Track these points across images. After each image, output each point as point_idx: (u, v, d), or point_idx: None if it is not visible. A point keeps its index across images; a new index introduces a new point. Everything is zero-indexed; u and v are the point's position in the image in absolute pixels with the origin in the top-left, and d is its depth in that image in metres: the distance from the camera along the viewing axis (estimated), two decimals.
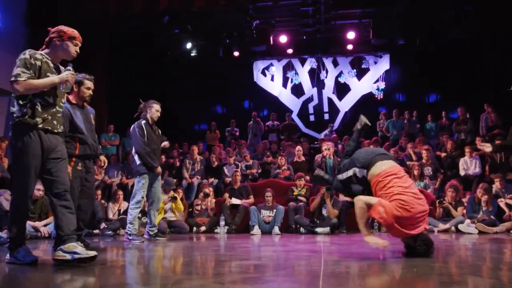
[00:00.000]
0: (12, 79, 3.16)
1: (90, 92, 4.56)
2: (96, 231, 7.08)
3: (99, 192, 8.11)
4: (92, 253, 3.16)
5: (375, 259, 3.53)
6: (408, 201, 3.38)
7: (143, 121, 5.75)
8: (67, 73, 3.30)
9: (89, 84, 4.54)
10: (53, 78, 3.27)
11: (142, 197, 5.71)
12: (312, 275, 2.76)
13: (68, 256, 3.11)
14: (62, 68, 3.50)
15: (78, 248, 3.15)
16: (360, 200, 3.54)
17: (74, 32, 3.46)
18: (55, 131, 3.35)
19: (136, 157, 5.68)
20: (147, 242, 5.57)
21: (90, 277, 2.83)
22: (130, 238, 5.60)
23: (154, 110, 5.82)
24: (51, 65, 3.38)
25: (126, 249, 4.73)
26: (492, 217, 7.05)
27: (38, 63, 3.26)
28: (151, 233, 5.88)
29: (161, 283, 2.63)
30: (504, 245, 4.96)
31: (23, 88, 3.16)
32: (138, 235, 5.73)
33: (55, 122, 3.34)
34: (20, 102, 3.22)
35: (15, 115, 3.24)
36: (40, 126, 3.23)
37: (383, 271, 2.96)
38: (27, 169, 3.19)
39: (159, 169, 5.80)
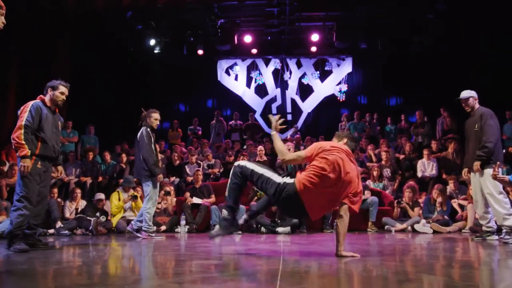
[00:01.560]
0: None
1: (64, 97, 4.65)
2: (51, 230, 6.86)
3: (55, 190, 7.86)
4: None
5: (334, 259, 3.58)
6: None
7: (148, 129, 6.07)
8: None
9: (63, 89, 4.64)
10: None
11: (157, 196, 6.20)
12: (271, 274, 2.77)
13: None
14: None
15: None
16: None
17: None
18: None
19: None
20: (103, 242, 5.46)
21: (45, 278, 2.74)
22: (153, 235, 6.05)
23: (153, 119, 6.13)
24: None
25: (83, 249, 4.61)
26: (445, 217, 7.30)
27: None
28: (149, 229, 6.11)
29: (118, 283, 2.57)
30: (456, 244, 5.15)
31: None
32: (154, 232, 6.26)
33: None
34: None
35: None
36: None
37: (341, 270, 3.00)
38: None
39: (161, 176, 6.18)
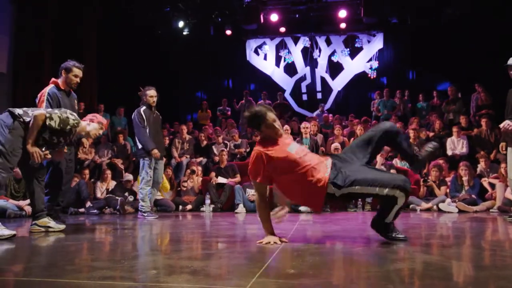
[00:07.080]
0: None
1: (78, 80, 4.72)
2: (82, 209, 7.18)
3: (86, 171, 8.19)
4: (62, 226, 4.14)
5: (336, 238, 3.58)
6: None
7: (143, 107, 6.08)
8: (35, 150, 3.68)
9: (77, 71, 4.68)
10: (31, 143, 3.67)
11: (151, 177, 6.09)
12: (267, 252, 2.81)
13: (43, 229, 4.00)
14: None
15: (51, 223, 4.05)
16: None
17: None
18: None
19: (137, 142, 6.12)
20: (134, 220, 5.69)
21: (81, 252, 2.89)
22: (145, 215, 6.01)
23: (148, 96, 6.12)
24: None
25: (112, 227, 4.82)
26: (473, 196, 7.09)
27: None
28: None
29: (117, 258, 2.69)
30: (478, 223, 5.00)
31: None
32: (152, 212, 6.16)
33: None
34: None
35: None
36: None
37: (337, 250, 3.01)
38: None
39: (156, 151, 5.99)
